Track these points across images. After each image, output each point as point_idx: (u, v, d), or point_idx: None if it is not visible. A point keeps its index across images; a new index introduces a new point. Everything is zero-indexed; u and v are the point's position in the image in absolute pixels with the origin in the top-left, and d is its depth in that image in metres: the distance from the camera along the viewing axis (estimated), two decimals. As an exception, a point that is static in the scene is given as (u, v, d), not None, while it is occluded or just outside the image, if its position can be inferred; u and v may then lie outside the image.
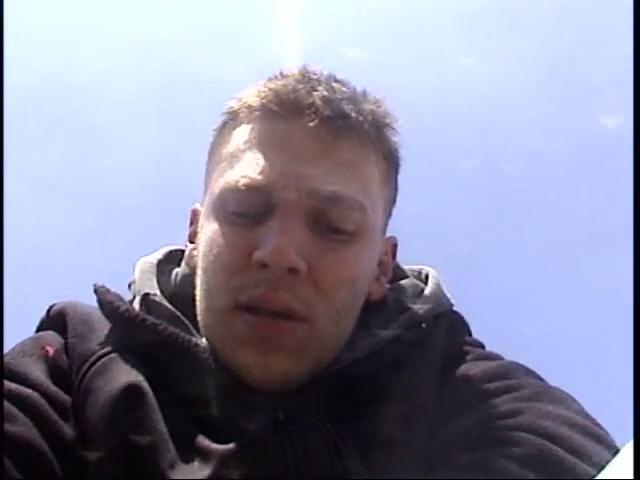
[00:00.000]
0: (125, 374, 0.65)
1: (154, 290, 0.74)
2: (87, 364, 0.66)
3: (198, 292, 0.71)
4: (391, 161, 0.74)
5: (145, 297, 0.72)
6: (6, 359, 0.66)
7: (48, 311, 0.75)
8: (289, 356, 0.65)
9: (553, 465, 0.52)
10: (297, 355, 0.65)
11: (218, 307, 0.67)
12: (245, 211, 0.67)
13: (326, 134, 0.67)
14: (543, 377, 0.70)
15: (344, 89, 0.71)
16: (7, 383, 0.63)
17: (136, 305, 0.73)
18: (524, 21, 2.70)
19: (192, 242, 0.77)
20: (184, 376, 0.66)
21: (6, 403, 0.61)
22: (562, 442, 0.54)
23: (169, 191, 2.30)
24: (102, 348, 0.68)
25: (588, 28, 2.71)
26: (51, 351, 0.68)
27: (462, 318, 0.78)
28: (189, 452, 0.61)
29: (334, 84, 0.71)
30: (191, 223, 0.79)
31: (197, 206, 0.79)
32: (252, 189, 0.67)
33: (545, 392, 0.63)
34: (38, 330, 0.75)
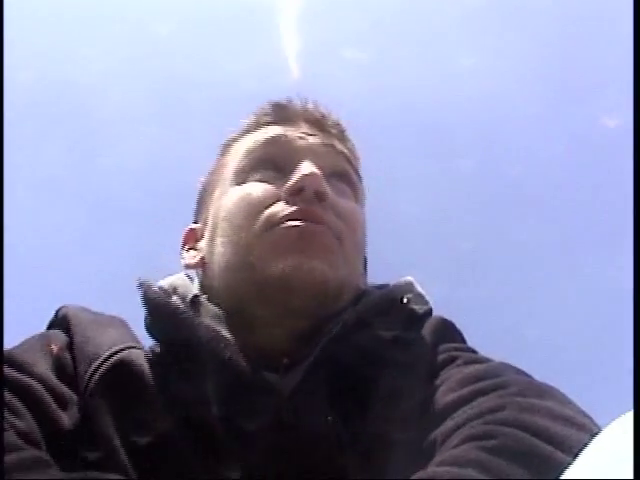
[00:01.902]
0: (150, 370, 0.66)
1: (198, 292, 0.76)
2: (99, 360, 0.67)
3: (224, 243, 0.74)
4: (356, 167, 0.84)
5: (195, 298, 0.74)
6: (12, 351, 0.68)
7: (56, 313, 0.76)
8: (327, 262, 0.70)
9: (528, 455, 0.52)
10: (333, 264, 0.70)
11: (250, 232, 0.71)
12: (271, 164, 0.76)
13: (322, 129, 0.79)
14: (540, 379, 0.71)
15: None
16: (9, 371, 0.64)
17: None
18: (524, 21, 2.70)
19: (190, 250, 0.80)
20: (213, 371, 0.67)
21: (6, 391, 0.62)
22: (540, 433, 0.54)
23: (169, 191, 2.31)
24: (117, 345, 0.69)
25: (588, 28, 2.71)
26: (55, 348, 0.69)
27: (454, 325, 0.80)
28: (208, 452, 0.63)
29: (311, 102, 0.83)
30: (185, 242, 0.82)
31: (192, 226, 0.83)
32: (273, 142, 0.76)
33: (531, 387, 0.64)
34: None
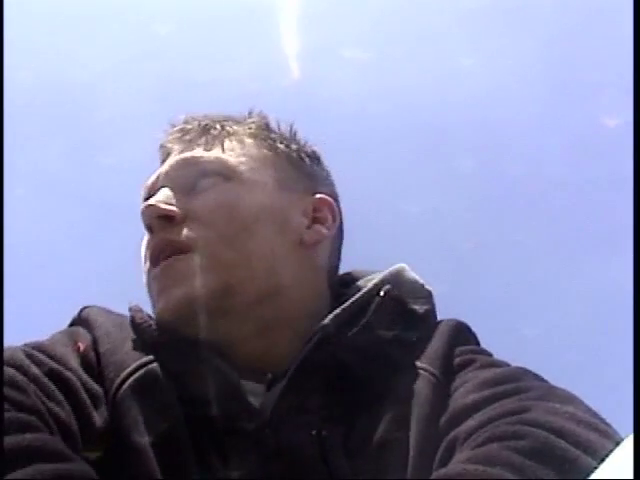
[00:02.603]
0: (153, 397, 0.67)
1: None
2: (130, 368, 0.68)
3: None
4: (262, 133, 0.85)
5: None
6: (44, 343, 0.70)
7: (79, 313, 0.77)
8: (183, 283, 0.72)
9: (556, 457, 0.52)
10: (187, 282, 0.72)
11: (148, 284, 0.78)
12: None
13: (186, 136, 0.83)
14: (545, 379, 0.71)
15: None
16: (49, 362, 0.66)
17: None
18: (524, 21, 2.70)
19: None
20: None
21: (48, 381, 0.63)
22: (567, 436, 0.54)
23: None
24: (142, 358, 0.70)
25: (588, 28, 2.71)
26: (82, 346, 0.71)
27: (469, 327, 0.80)
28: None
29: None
30: None
31: None
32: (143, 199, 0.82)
33: (553, 393, 0.64)
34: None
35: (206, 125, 0.83)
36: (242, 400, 0.67)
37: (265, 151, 0.83)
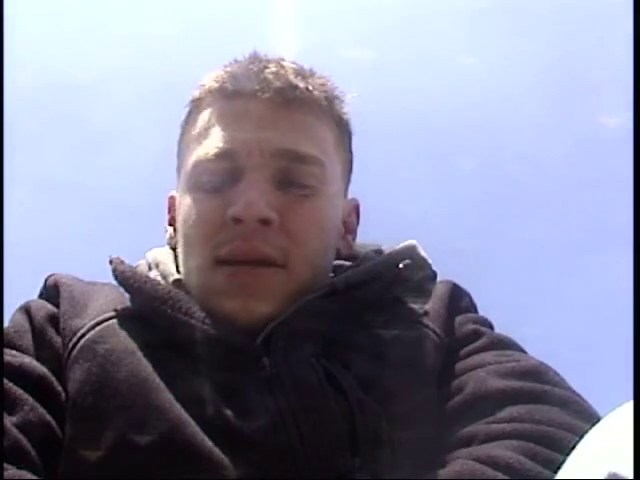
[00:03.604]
0: (123, 339, 0.68)
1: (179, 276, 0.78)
2: (85, 329, 0.68)
3: (180, 256, 0.77)
4: (342, 128, 0.81)
5: (177, 281, 0.76)
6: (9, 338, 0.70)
7: (45, 282, 0.77)
8: (269, 301, 0.70)
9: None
10: (277, 299, 0.70)
11: (200, 264, 0.72)
12: (216, 179, 0.74)
13: (280, 103, 0.75)
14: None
15: (293, 66, 0.79)
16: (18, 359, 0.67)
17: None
18: (524, 21, 2.70)
19: (171, 225, 0.82)
20: (182, 336, 0.69)
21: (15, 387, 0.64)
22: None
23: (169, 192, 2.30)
24: (101, 315, 0.70)
25: (588, 28, 2.71)
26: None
27: (463, 290, 0.81)
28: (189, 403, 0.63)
29: (283, 62, 0.79)
30: (169, 209, 0.84)
31: (173, 193, 0.83)
32: (221, 157, 0.73)
33: (571, 403, 0.66)
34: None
35: (294, 90, 0.76)
36: (237, 337, 0.68)
37: (342, 151, 0.82)
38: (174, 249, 0.82)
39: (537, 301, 2.64)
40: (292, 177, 0.74)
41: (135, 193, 2.47)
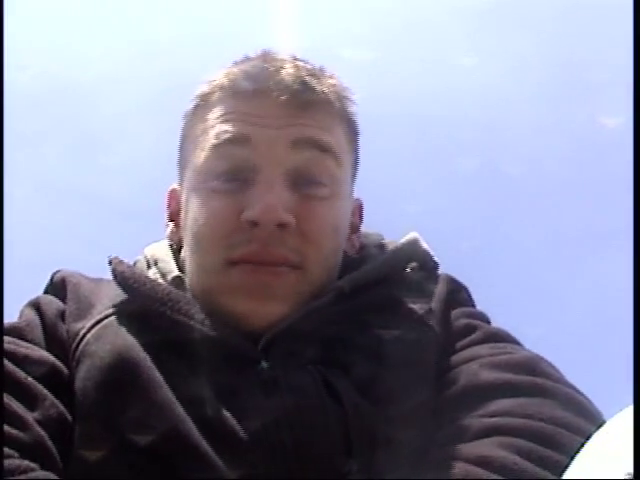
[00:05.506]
0: (122, 337, 0.67)
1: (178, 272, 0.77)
2: (86, 329, 0.68)
3: (187, 255, 0.75)
4: (352, 127, 0.81)
5: (177, 279, 0.76)
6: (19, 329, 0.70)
7: (51, 278, 0.77)
8: (284, 302, 0.69)
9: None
10: (290, 300, 0.69)
11: (211, 264, 0.71)
12: (230, 173, 0.71)
13: (297, 105, 0.73)
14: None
15: (307, 67, 0.78)
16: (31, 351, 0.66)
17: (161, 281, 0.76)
18: (525, 21, 2.70)
19: (172, 221, 0.81)
20: (182, 336, 0.68)
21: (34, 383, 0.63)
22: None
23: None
24: (102, 313, 0.70)
25: (588, 28, 2.71)
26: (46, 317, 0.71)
27: (460, 283, 0.81)
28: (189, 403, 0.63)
29: (297, 63, 0.78)
30: (169, 204, 0.82)
31: (174, 186, 0.82)
32: (236, 141, 0.71)
33: (571, 400, 0.66)
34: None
35: (307, 90, 0.75)
36: (237, 338, 0.67)
37: (352, 152, 0.81)
38: (174, 245, 0.81)
39: (537, 301, 2.64)
40: (308, 173, 0.73)
41: (135, 193, 2.47)
